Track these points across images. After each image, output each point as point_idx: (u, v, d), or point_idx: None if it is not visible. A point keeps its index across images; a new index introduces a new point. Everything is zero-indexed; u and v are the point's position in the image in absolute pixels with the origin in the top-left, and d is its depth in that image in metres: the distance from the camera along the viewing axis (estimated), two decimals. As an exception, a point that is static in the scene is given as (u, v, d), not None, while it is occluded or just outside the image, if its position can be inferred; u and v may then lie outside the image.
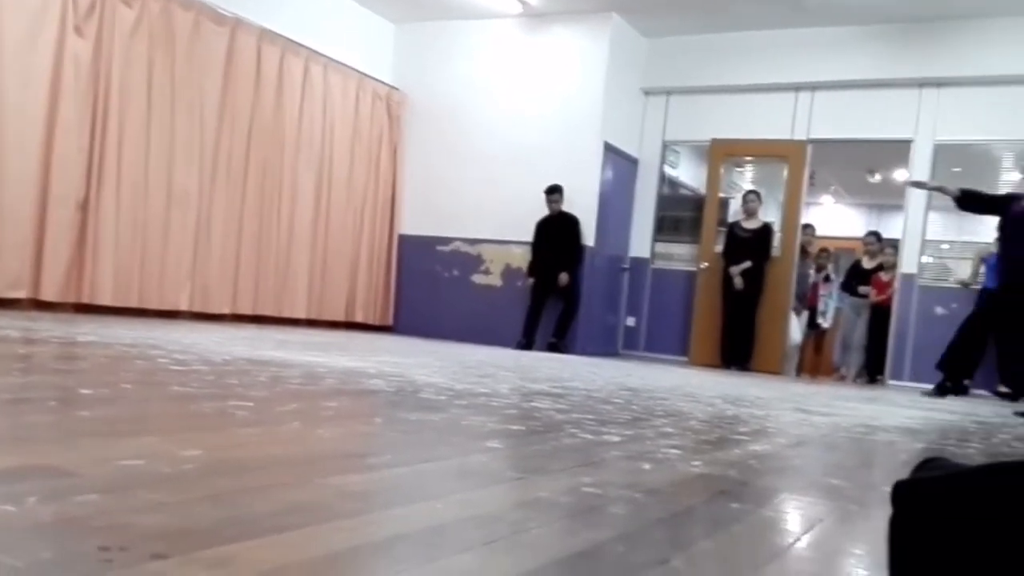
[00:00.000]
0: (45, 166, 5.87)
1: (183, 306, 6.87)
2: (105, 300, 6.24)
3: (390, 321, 9.05)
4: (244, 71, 7.27)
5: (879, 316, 8.30)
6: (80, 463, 1.29)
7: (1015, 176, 9.86)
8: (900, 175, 9.78)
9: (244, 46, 7.26)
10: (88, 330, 4.42)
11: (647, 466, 1.87)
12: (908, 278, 7.99)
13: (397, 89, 9.04)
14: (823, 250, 9.73)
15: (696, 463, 2.00)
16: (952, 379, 6.52)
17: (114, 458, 1.35)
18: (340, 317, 8.53)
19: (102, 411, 1.90)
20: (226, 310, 7.25)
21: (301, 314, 8.08)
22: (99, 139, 6.17)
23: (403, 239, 9.12)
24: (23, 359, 2.99)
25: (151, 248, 6.59)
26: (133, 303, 6.46)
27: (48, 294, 5.90)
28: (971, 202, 5.50)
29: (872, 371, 8.39)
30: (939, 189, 5.49)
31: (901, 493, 0.84)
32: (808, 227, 9.11)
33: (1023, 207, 5.06)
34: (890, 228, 10.80)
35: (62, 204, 5.96)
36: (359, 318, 8.72)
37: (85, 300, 6.13)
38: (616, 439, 2.27)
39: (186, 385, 2.52)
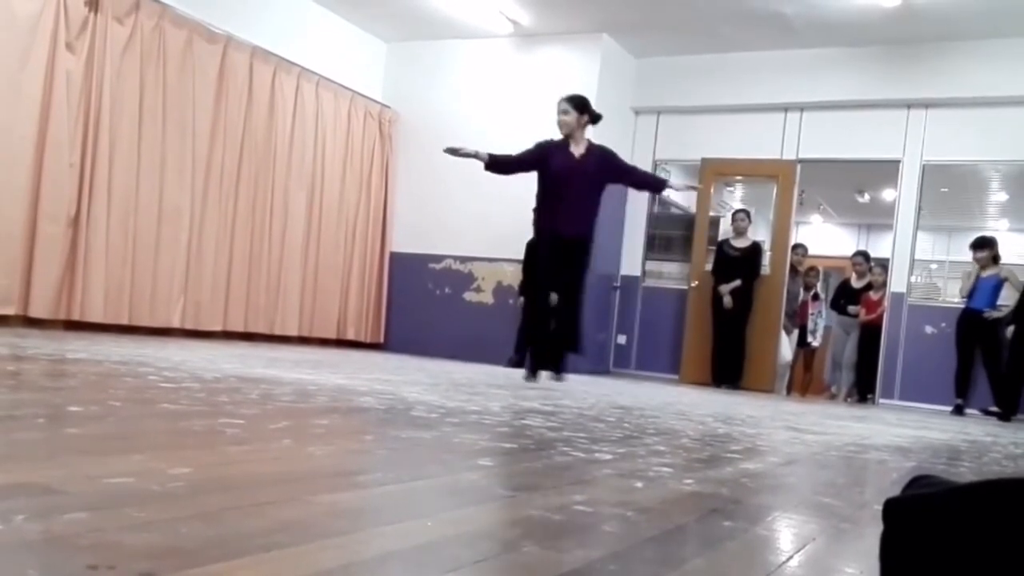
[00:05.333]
0: (36, 182, 5.86)
1: (175, 323, 6.84)
2: (96, 317, 6.21)
3: (381, 338, 9.03)
4: (236, 89, 7.29)
5: (869, 335, 8.33)
6: (68, 481, 1.28)
7: (1002, 196, 9.96)
8: (889, 195, 9.84)
9: (236, 64, 7.28)
10: (78, 347, 4.40)
11: (639, 484, 1.87)
12: (898, 297, 8.03)
13: (389, 107, 9.07)
14: (811, 268, 9.78)
15: (688, 481, 1.99)
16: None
17: (103, 476, 1.34)
18: (331, 335, 8.51)
19: (91, 428, 1.89)
20: (217, 327, 7.22)
21: (293, 331, 8.05)
22: (90, 156, 6.16)
23: (394, 257, 9.12)
24: (12, 376, 2.97)
25: (142, 265, 6.57)
26: (124, 320, 6.43)
27: (38, 311, 5.87)
28: (501, 166, 5.52)
29: (862, 390, 8.41)
30: (474, 155, 5.51)
31: (892, 510, 0.84)
32: (800, 247, 9.15)
33: (565, 160, 5.18)
34: (879, 247, 10.88)
35: (53, 220, 5.94)
36: (350, 335, 8.70)
37: (75, 317, 6.10)
38: (608, 457, 2.26)
39: (176, 402, 2.50)
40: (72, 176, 6.06)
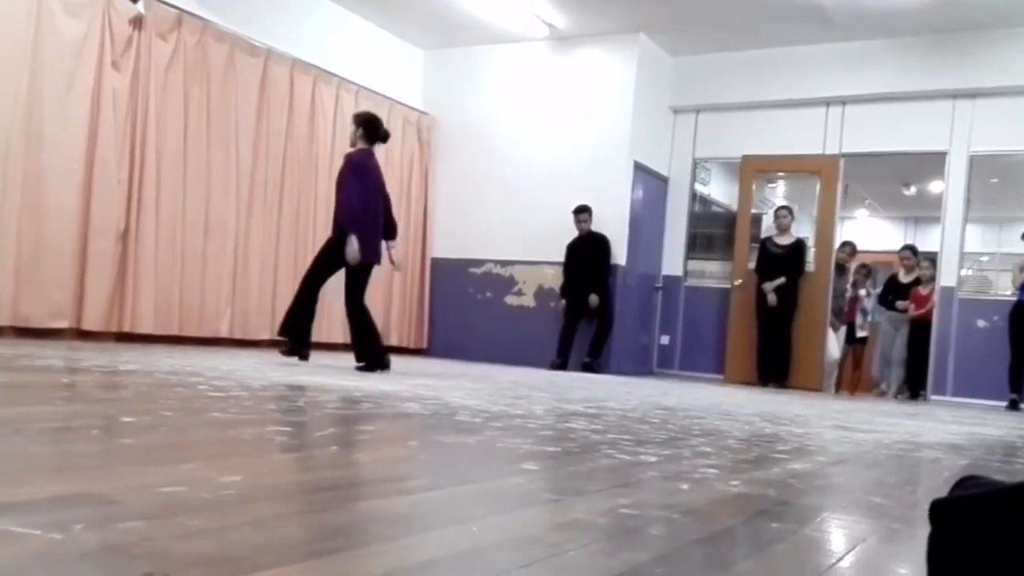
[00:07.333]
0: (85, 198, 6.00)
1: (223, 333, 6.96)
2: (146, 328, 6.34)
3: (425, 344, 9.09)
4: (277, 101, 7.39)
5: (919, 330, 8.17)
6: (123, 490, 1.32)
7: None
8: (936, 187, 9.64)
9: (277, 76, 7.38)
10: (129, 358, 4.49)
11: (685, 486, 1.86)
12: (947, 291, 7.87)
13: (427, 114, 9.13)
14: (862, 266, 9.64)
15: (734, 483, 1.98)
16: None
17: (156, 485, 1.37)
18: (375, 341, 8.57)
19: (144, 439, 1.93)
20: (265, 336, 7.32)
21: (338, 338, 8.12)
22: (137, 171, 6.30)
23: (436, 262, 9.17)
24: (67, 388, 3.04)
25: (190, 277, 6.69)
26: (174, 331, 6.55)
27: (90, 323, 6.01)
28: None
29: (913, 386, 8.25)
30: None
31: (939, 512, 0.83)
32: (847, 245, 9.02)
33: (372, 162, 5.40)
34: (927, 241, 10.65)
35: (102, 235, 6.08)
36: (394, 341, 8.76)
37: (127, 329, 6.23)
38: (653, 459, 2.25)
39: (226, 411, 2.55)
40: (120, 192, 6.20)
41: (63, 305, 5.88)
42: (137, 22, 6.28)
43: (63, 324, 5.88)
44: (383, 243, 5.54)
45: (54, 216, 5.80)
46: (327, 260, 5.43)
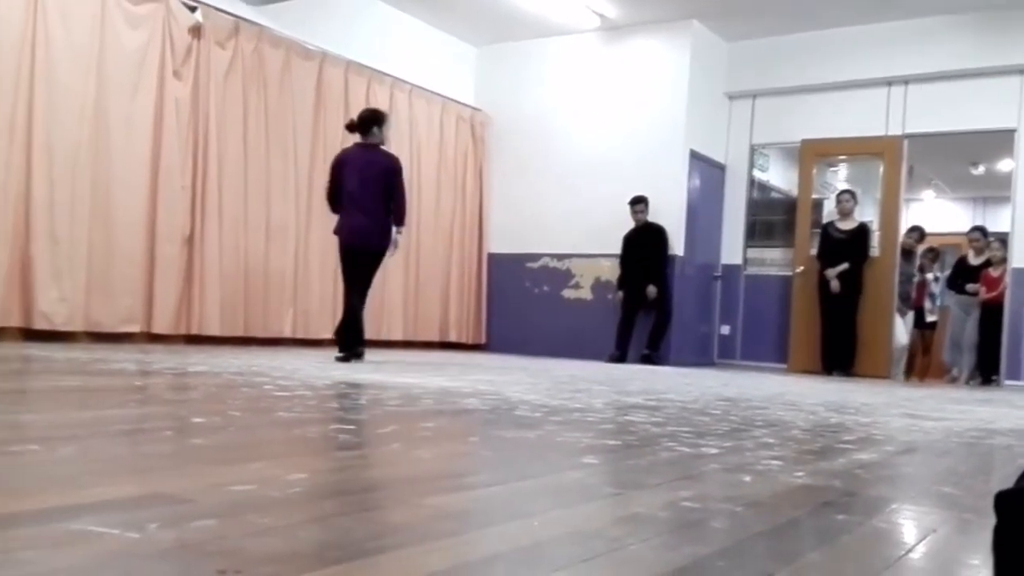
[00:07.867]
0: (152, 205, 6.18)
1: (286, 333, 7.10)
2: (213, 330, 6.50)
3: (483, 339, 9.13)
4: (333, 103, 7.50)
5: (990, 314, 7.92)
6: (196, 490, 1.36)
7: None
8: (1005, 166, 9.33)
9: (332, 79, 7.49)
10: (198, 360, 4.62)
11: (747, 478, 1.84)
12: (1020, 273, 7.62)
13: (480, 110, 9.16)
14: (930, 249, 9.38)
15: (799, 474, 1.95)
16: None
17: (227, 484, 1.41)
18: (435, 337, 8.66)
19: (214, 439, 1.98)
20: (326, 335, 7.43)
21: (397, 336, 8.23)
22: (200, 177, 6.46)
23: (492, 258, 9.20)
24: (139, 391, 3.15)
25: (253, 279, 6.85)
26: (239, 332, 6.71)
27: (160, 327, 6.19)
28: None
29: (986, 372, 8.01)
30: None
31: (1005, 502, 0.81)
32: (915, 230, 8.80)
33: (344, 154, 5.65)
34: (998, 221, 10.33)
35: (169, 241, 6.26)
36: (453, 338, 8.83)
37: (194, 331, 6.40)
38: (714, 451, 2.23)
39: (291, 410, 2.60)
40: (184, 198, 6.36)
41: (134, 310, 6.06)
42: (196, 31, 6.44)
43: (134, 328, 6.07)
44: (363, 225, 5.62)
45: (122, 224, 5.99)
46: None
